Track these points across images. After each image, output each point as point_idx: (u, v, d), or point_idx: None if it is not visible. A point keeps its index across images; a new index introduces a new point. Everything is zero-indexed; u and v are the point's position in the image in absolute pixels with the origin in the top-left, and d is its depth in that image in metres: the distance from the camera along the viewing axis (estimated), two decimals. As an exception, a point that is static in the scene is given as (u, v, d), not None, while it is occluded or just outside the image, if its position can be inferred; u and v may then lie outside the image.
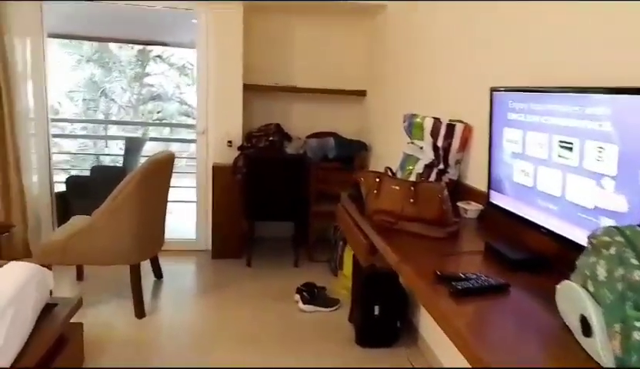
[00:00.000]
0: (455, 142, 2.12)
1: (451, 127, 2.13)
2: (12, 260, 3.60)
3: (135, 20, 5.20)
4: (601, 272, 0.92)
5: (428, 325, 2.62)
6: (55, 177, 4.01)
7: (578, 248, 1.12)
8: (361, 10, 3.88)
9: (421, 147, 2.26)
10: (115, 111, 10.09)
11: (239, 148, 3.88)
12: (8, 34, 3.43)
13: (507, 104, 1.68)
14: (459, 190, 2.13)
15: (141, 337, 2.72)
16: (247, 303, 3.19)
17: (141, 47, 9.27)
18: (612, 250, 0.91)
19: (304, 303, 3.06)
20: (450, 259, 1.53)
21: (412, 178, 2.18)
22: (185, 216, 4.77)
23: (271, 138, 3.86)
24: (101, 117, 9.88)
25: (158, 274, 3.49)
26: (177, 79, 10.14)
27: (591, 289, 0.95)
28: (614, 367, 0.87)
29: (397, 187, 1.73)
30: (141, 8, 3.85)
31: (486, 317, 1.20)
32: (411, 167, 2.26)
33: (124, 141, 5.01)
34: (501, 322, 1.18)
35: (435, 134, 2.17)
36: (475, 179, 2.12)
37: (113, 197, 2.72)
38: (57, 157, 7.44)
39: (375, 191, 1.77)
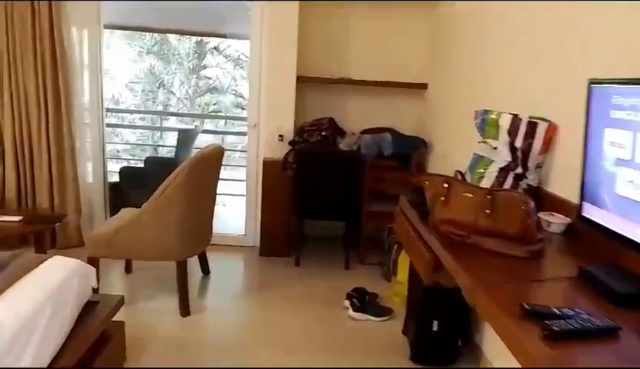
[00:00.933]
0: (537, 143, 1.83)
1: (532, 126, 1.84)
2: (66, 248, 3.70)
3: (194, 11, 5.25)
4: None
5: (492, 345, 2.34)
6: (112, 167, 4.05)
7: None
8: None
9: (495, 148, 1.98)
10: (174, 103, 10.29)
11: (290, 143, 3.72)
12: (66, 25, 3.45)
13: (610, 99, 1.38)
14: (540, 198, 1.83)
15: (184, 337, 2.62)
16: (294, 306, 3.03)
17: (198, 39, 9.36)
18: None
19: (354, 310, 2.86)
20: (536, 287, 1.27)
21: (484, 183, 1.91)
22: (237, 210, 4.69)
23: (323, 133, 3.67)
24: (159, 108, 10.10)
25: (205, 269, 3.41)
26: (232, 71, 10.18)
27: None
28: None
29: (470, 195, 1.48)
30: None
31: (591, 370, 0.94)
32: (482, 170, 1.98)
33: (177, 133, 5.00)
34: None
35: (512, 132, 1.89)
36: (560, 186, 1.82)
37: (160, 192, 2.63)
38: (115, 148, 7.68)
39: (443, 198, 1.52)
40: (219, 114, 10.33)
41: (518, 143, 1.86)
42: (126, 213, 2.96)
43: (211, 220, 3.10)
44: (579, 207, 1.51)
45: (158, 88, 10.04)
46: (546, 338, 0.97)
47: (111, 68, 8.85)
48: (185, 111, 10.05)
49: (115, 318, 2.21)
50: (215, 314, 2.93)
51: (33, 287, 1.75)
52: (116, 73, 9.09)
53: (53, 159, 3.57)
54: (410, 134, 3.85)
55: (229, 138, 9.22)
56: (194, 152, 4.84)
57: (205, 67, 10.30)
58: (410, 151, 3.62)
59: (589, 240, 1.49)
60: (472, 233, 1.47)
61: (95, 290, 2.19)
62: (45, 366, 1.69)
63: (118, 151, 7.86)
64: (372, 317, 2.84)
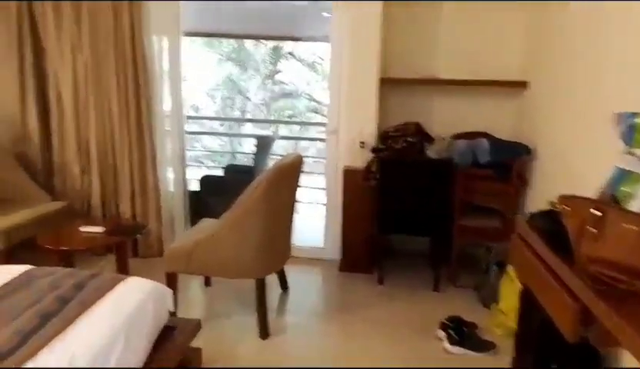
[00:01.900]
0: None
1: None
2: (148, 257, 3.70)
3: (269, 15, 5.22)
4: None
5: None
6: (193, 174, 4.01)
7: None
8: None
9: (646, 160, 1.57)
10: (251, 109, 10.42)
11: (373, 150, 3.43)
12: (147, 33, 3.44)
13: None
14: None
15: (262, 361, 2.44)
16: (379, 330, 2.74)
17: (274, 44, 9.39)
18: None
19: (450, 343, 2.51)
20: None
21: (634, 205, 1.51)
22: (313, 219, 4.50)
23: (409, 139, 3.35)
24: (237, 114, 10.27)
25: (283, 285, 3.23)
26: (307, 75, 10.13)
27: None
28: None
29: (634, 228, 1.11)
30: (274, 3, 3.63)
31: None
32: (628, 189, 1.58)
33: (255, 140, 4.91)
34: None
35: (674, 141, 1.47)
36: None
37: (238, 205, 2.47)
38: (196, 154, 7.84)
39: (594, 230, 1.17)
40: (295, 119, 10.33)
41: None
42: (205, 225, 2.85)
43: (290, 234, 2.90)
44: None
45: (236, 94, 10.23)
46: None
47: (193, 76, 9.11)
48: (261, 117, 10.15)
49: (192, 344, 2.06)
50: (295, 337, 2.72)
51: (107, 314, 1.62)
52: (196, 80, 9.35)
53: (135, 168, 3.58)
54: (508, 140, 3.41)
55: (303, 143, 9.14)
56: (271, 159, 4.73)
57: (279, 72, 10.36)
58: (510, 159, 3.20)
59: None
60: (637, 278, 1.10)
61: (173, 314, 2.05)
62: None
63: (201, 159, 8.03)
64: (472, 352, 2.47)
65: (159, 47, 3.57)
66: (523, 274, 1.69)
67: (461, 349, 2.48)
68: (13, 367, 1.32)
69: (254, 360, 2.45)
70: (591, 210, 1.20)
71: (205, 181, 4.28)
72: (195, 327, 2.06)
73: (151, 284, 1.89)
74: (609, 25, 2.25)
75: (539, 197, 2.96)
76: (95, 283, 1.78)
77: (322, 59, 9.10)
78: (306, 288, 3.37)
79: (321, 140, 5.30)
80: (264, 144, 4.75)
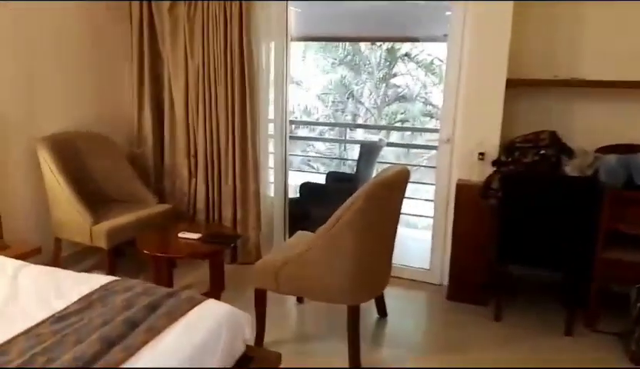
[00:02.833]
0: None
1: None
2: (246, 264, 3.62)
3: (385, 16, 5.00)
4: None
5: None
6: (293, 180, 3.87)
7: None
8: None
9: None
10: (362, 113, 10.22)
11: (494, 163, 2.94)
12: (254, 37, 3.35)
13: None
14: None
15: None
16: (494, 382, 2.29)
17: (389, 46, 9.09)
18: None
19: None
20: None
21: None
22: (418, 235, 4.08)
23: (542, 152, 2.81)
24: (348, 118, 10.13)
25: (381, 310, 2.90)
26: (423, 78, 9.66)
27: None
28: None
29: None
30: (391, 3, 3.35)
31: None
32: None
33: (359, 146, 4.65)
34: None
35: None
36: None
37: (332, 223, 2.20)
38: (302, 159, 7.82)
39: None
40: (405, 124, 9.92)
41: None
42: (298, 240, 2.64)
43: (391, 257, 2.57)
44: None
45: (347, 98, 10.10)
46: None
47: (305, 80, 9.15)
48: (372, 122, 9.89)
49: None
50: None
51: (174, 345, 1.45)
52: (310, 84, 9.39)
53: (237, 172, 3.52)
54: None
55: (414, 150, 8.68)
56: (376, 168, 4.42)
57: (394, 75, 10.04)
58: (679, 180, 2.50)
59: None
60: None
61: (259, 335, 1.85)
62: None
63: (309, 160, 7.99)
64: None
65: (267, 51, 3.47)
66: None
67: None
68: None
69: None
70: None
71: (306, 187, 4.13)
72: (276, 359, 1.83)
73: (227, 308, 1.70)
74: None
75: None
76: (169, 305, 1.63)
77: (441, 61, 8.58)
78: (407, 316, 3.00)
79: (433, 148, 4.87)
80: (369, 151, 4.46)
